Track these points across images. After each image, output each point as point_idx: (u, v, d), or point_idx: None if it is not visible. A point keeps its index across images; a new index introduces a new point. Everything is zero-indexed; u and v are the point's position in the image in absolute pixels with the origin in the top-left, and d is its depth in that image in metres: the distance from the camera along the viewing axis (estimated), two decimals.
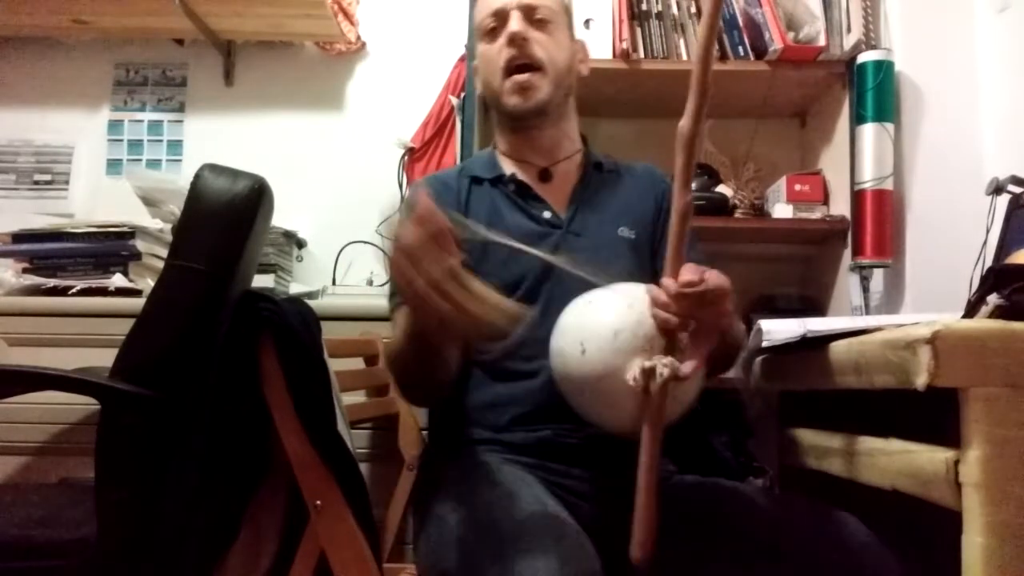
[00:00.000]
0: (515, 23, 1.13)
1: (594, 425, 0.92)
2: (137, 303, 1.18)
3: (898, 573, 0.87)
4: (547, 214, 1.16)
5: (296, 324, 1.05)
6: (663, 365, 0.78)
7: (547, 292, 1.09)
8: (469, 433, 1.09)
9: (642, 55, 1.82)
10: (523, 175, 1.20)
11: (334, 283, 2.06)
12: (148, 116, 2.24)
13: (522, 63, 1.13)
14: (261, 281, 1.83)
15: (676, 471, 1.14)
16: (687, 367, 0.79)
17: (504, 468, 1.01)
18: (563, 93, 1.18)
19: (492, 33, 1.16)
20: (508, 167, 1.21)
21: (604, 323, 0.86)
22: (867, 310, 1.74)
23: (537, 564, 0.73)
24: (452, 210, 1.14)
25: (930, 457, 0.81)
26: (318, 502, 1.04)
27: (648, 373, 0.79)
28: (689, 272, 0.80)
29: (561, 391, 0.93)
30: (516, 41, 1.12)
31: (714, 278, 0.80)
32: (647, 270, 1.15)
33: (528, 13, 1.14)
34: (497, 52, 1.15)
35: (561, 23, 1.19)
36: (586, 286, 1.02)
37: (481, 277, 1.06)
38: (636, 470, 0.84)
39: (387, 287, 1.20)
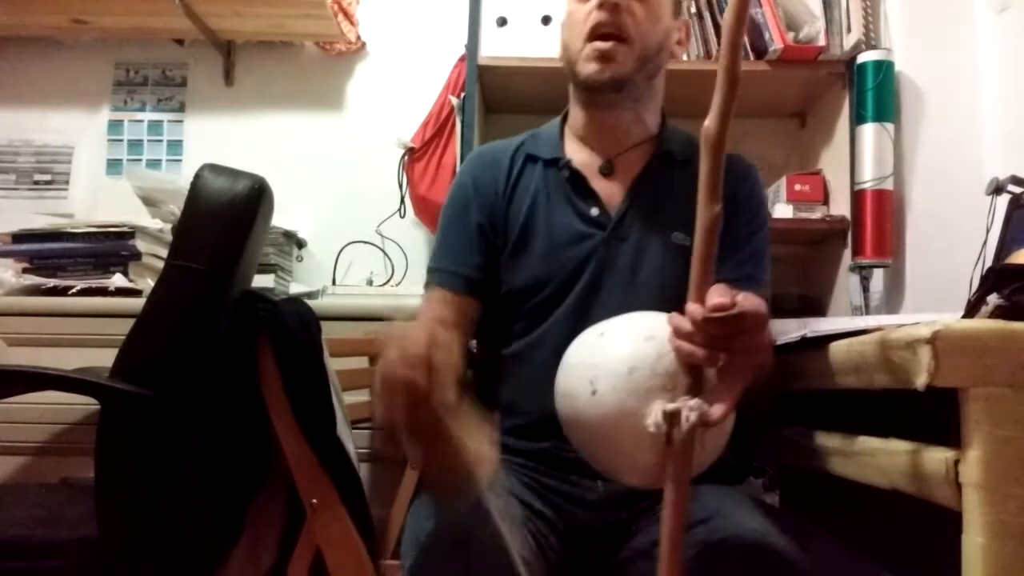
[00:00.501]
0: None
1: (608, 476, 0.81)
2: (137, 303, 1.18)
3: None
4: (595, 211, 1.07)
5: (294, 324, 1.05)
6: (689, 409, 0.66)
7: (576, 295, 1.04)
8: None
9: None
10: (582, 162, 1.10)
11: (334, 283, 2.06)
12: (148, 116, 2.24)
13: (609, 31, 1.02)
14: (261, 281, 1.83)
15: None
16: (717, 411, 0.67)
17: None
18: (647, 74, 1.07)
19: None
20: (570, 149, 1.12)
21: (618, 358, 0.73)
22: (867, 310, 1.74)
23: (451, 564, 0.75)
24: (492, 197, 1.09)
25: (930, 457, 0.81)
26: (314, 501, 1.05)
27: (672, 418, 0.67)
28: (718, 295, 0.67)
29: (569, 438, 0.81)
30: (607, 6, 1.00)
31: (748, 302, 0.67)
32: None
33: None
34: (585, 15, 1.03)
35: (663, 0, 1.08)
36: (621, 288, 0.97)
37: (513, 269, 1.04)
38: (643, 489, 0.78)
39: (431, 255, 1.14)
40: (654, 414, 0.68)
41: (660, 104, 1.15)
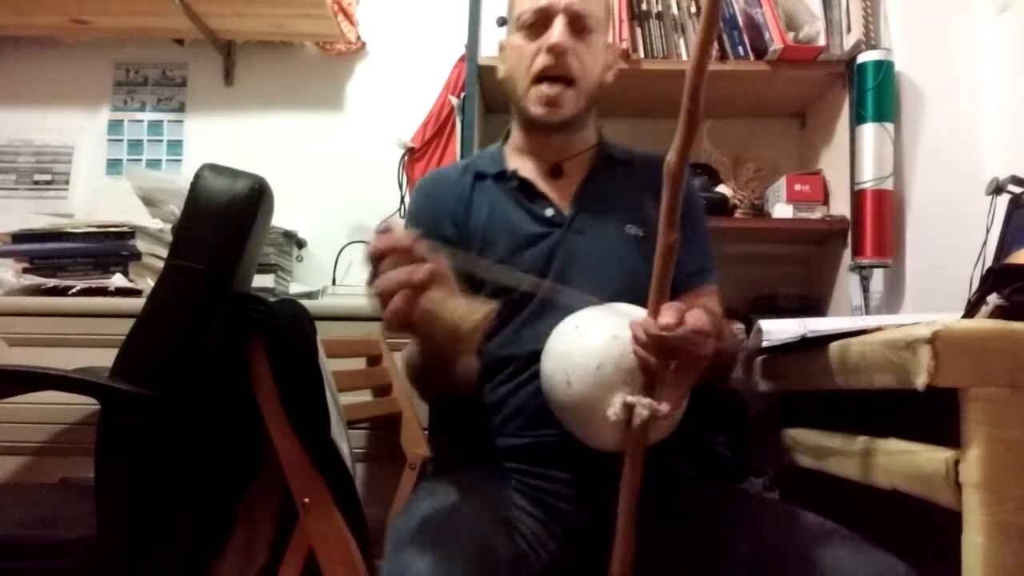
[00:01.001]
0: (558, 32, 1.07)
1: (581, 441, 0.93)
2: (137, 303, 1.18)
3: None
4: (549, 212, 1.13)
5: (287, 326, 1.05)
6: (642, 406, 0.78)
7: (539, 300, 1.07)
8: (464, 437, 1.10)
9: (642, 55, 1.82)
10: (529, 171, 1.17)
11: (334, 283, 2.06)
12: (148, 116, 2.24)
13: (555, 74, 1.08)
14: (261, 281, 1.83)
15: (694, 475, 1.14)
16: (664, 407, 0.78)
17: (475, 470, 1.03)
18: (589, 106, 1.14)
19: (531, 28, 1.10)
20: (514, 162, 1.19)
21: (588, 354, 0.86)
22: (867, 310, 1.74)
23: (424, 562, 0.78)
24: (454, 208, 1.14)
25: (930, 457, 0.81)
26: (306, 500, 1.05)
27: (629, 410, 0.80)
28: (668, 315, 0.77)
29: (551, 408, 0.95)
30: (555, 50, 1.07)
31: (694, 320, 0.77)
32: None
33: (574, 20, 1.08)
34: (532, 54, 1.09)
35: (603, 30, 1.14)
36: (583, 285, 1.01)
37: (475, 282, 1.07)
38: (617, 475, 0.83)
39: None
40: (614, 406, 0.81)
41: (594, 121, 1.22)
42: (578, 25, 1.08)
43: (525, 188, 1.15)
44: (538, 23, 1.09)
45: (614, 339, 0.85)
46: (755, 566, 0.86)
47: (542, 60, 1.08)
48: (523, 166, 1.18)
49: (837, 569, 0.80)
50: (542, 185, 1.16)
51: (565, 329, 0.93)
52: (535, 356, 0.98)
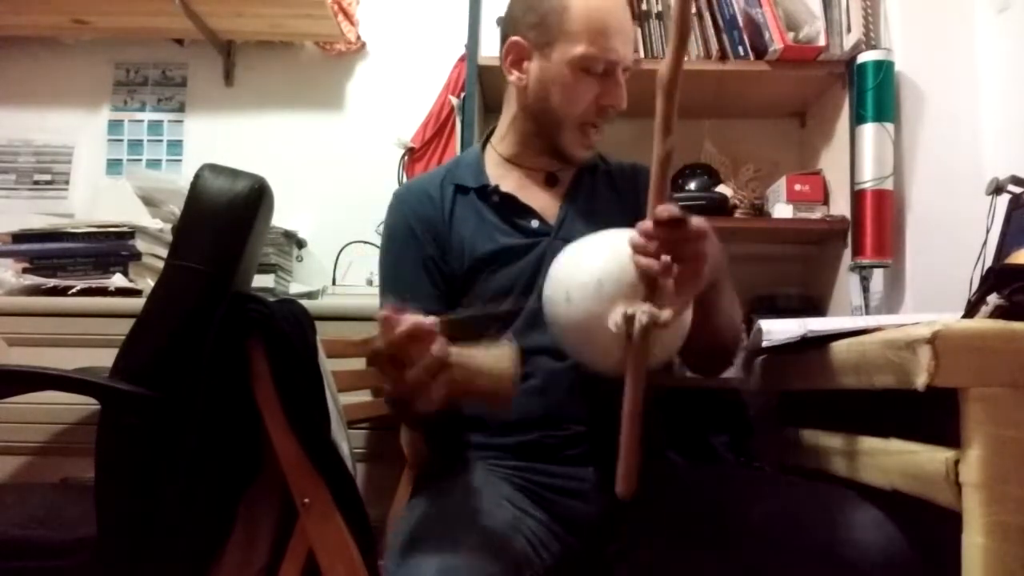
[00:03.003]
0: (620, 91, 1.11)
1: (583, 365, 0.95)
2: (137, 303, 1.18)
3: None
4: (535, 223, 1.14)
5: (286, 326, 1.05)
6: (643, 312, 0.79)
7: (532, 304, 1.08)
8: (462, 437, 1.11)
9: (642, 55, 1.82)
10: (514, 183, 1.17)
11: (334, 283, 2.06)
12: (148, 116, 2.24)
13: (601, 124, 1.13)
14: (261, 281, 1.83)
15: (682, 463, 1.15)
16: (666, 314, 0.79)
17: (477, 471, 1.04)
18: None
19: (594, 75, 1.09)
20: (495, 173, 1.18)
21: (588, 272, 0.88)
22: (867, 310, 1.74)
23: (426, 563, 0.78)
24: (434, 225, 1.13)
25: (930, 457, 0.81)
26: (306, 500, 1.05)
27: (629, 320, 0.80)
28: (667, 208, 0.79)
29: (552, 335, 0.96)
30: (613, 111, 1.12)
31: (694, 218, 0.80)
32: None
33: (627, 71, 1.12)
34: (590, 97, 1.10)
35: None
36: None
37: (469, 292, 1.09)
38: (616, 463, 0.84)
39: (380, 296, 1.18)
40: (615, 317, 0.81)
41: None
42: (626, 75, 1.12)
43: (508, 203, 1.15)
44: (604, 70, 1.09)
45: (614, 257, 0.86)
46: (769, 528, 0.88)
47: (597, 112, 1.11)
48: (506, 178, 1.17)
49: (851, 524, 0.83)
50: (526, 197, 1.15)
51: (565, 254, 0.96)
52: (530, 352, 0.99)
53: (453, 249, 1.12)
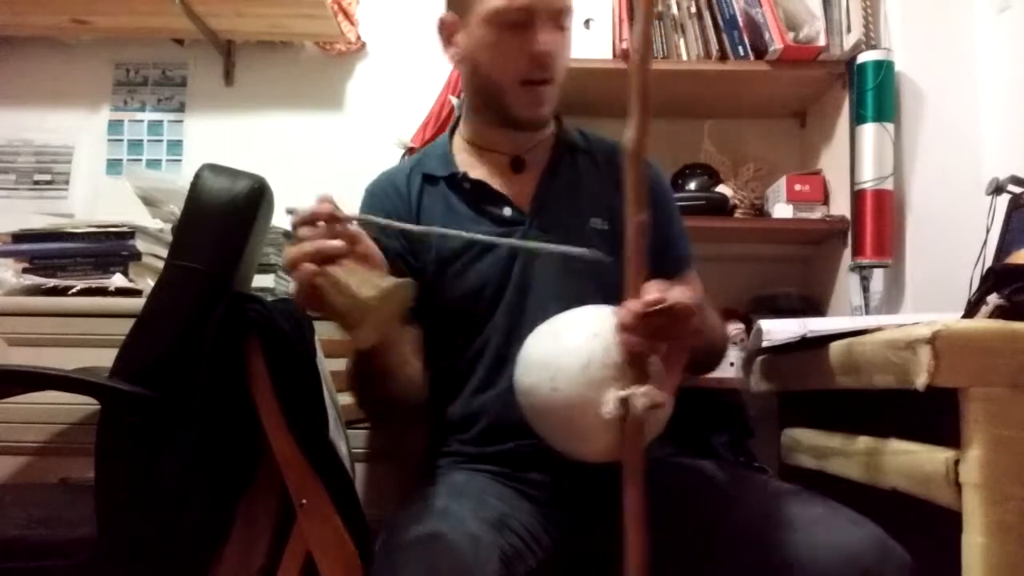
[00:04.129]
0: (545, 37, 1.02)
1: (571, 457, 0.89)
2: (137, 303, 1.18)
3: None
4: (507, 211, 1.09)
5: (285, 325, 1.05)
6: (641, 395, 0.76)
7: (509, 300, 1.06)
8: (445, 444, 1.10)
9: None
10: (483, 170, 1.12)
11: None
12: (148, 116, 2.24)
13: (542, 79, 1.05)
14: (261, 281, 1.83)
15: (674, 452, 1.13)
16: (663, 395, 0.77)
17: (460, 472, 1.03)
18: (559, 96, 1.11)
19: (511, 27, 1.03)
20: (464, 162, 1.13)
21: (572, 356, 0.82)
22: (867, 310, 1.74)
23: (409, 562, 0.78)
24: (402, 216, 1.09)
25: (930, 457, 0.81)
26: (303, 501, 1.04)
27: (624, 403, 0.77)
28: (652, 290, 0.76)
29: (533, 427, 0.90)
30: (547, 57, 1.03)
31: (678, 294, 0.76)
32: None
33: (556, 18, 1.04)
34: (515, 55, 1.03)
35: (571, 21, 1.09)
36: (549, 285, 1.03)
37: (440, 290, 1.07)
38: (598, 469, 0.83)
39: None
40: (609, 402, 0.77)
41: None
42: (559, 21, 1.05)
43: (479, 190, 1.11)
44: (521, 21, 1.03)
45: (596, 336, 0.82)
46: (751, 532, 0.87)
47: (529, 66, 1.03)
48: (475, 165, 1.13)
49: (832, 531, 0.82)
50: (498, 184, 1.11)
51: (541, 337, 0.90)
52: (510, 348, 0.98)
53: (422, 242, 1.08)
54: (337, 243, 0.75)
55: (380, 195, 1.15)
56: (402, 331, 0.96)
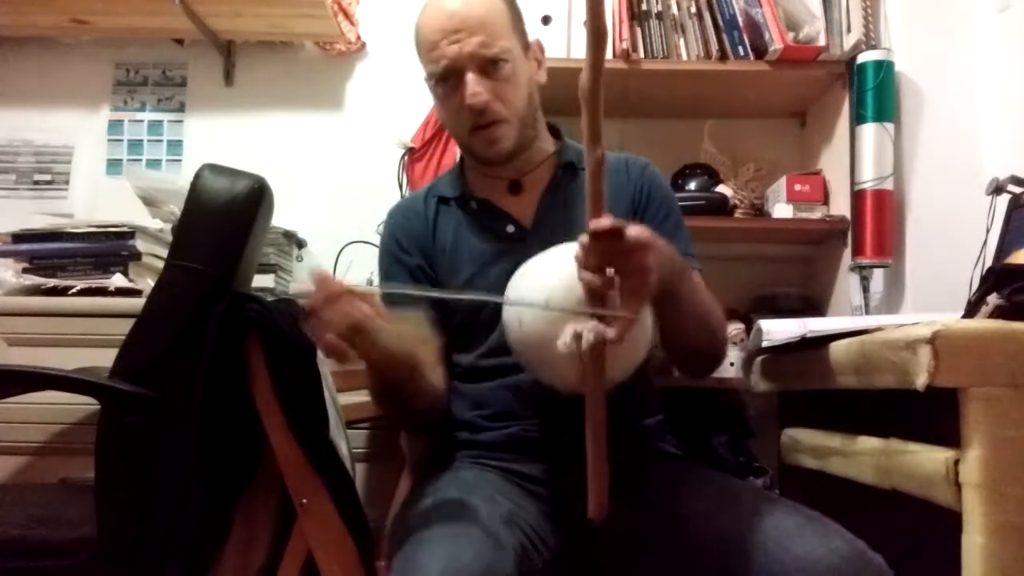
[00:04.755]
0: (471, 90, 1.06)
1: (545, 384, 0.97)
2: (137, 303, 1.18)
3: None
4: (511, 228, 1.15)
5: (285, 325, 1.05)
6: (588, 331, 0.78)
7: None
8: (452, 436, 1.12)
9: (642, 55, 1.82)
10: (489, 190, 1.18)
11: None
12: (148, 116, 2.24)
13: (486, 122, 1.09)
14: (261, 281, 1.83)
15: (678, 453, 1.15)
16: (612, 331, 0.78)
17: (468, 469, 1.06)
18: (529, 123, 1.14)
19: (445, 83, 1.10)
20: (473, 184, 1.20)
21: (536, 293, 0.89)
22: (867, 310, 1.74)
23: (433, 556, 0.79)
24: (419, 237, 1.18)
25: (930, 457, 0.81)
26: (304, 500, 1.05)
27: (577, 339, 0.79)
28: (602, 221, 0.77)
29: (514, 356, 0.99)
30: (475, 110, 1.07)
31: (632, 228, 0.78)
32: None
33: (482, 65, 1.07)
34: (456, 111, 1.10)
35: (516, 48, 1.10)
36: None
37: (448, 301, 1.12)
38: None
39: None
40: (563, 337, 0.80)
41: (544, 123, 1.21)
42: (488, 67, 1.07)
43: (485, 208, 1.17)
44: (450, 78, 1.08)
45: (558, 276, 0.87)
46: (720, 545, 0.86)
47: (468, 118, 1.09)
48: (483, 185, 1.19)
49: (806, 544, 0.80)
50: (503, 202, 1.17)
51: (515, 279, 0.98)
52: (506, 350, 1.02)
53: (437, 259, 1.17)
54: (365, 311, 0.82)
55: (400, 217, 1.23)
56: (424, 339, 1.02)
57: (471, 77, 1.07)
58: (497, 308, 1.10)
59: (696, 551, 0.89)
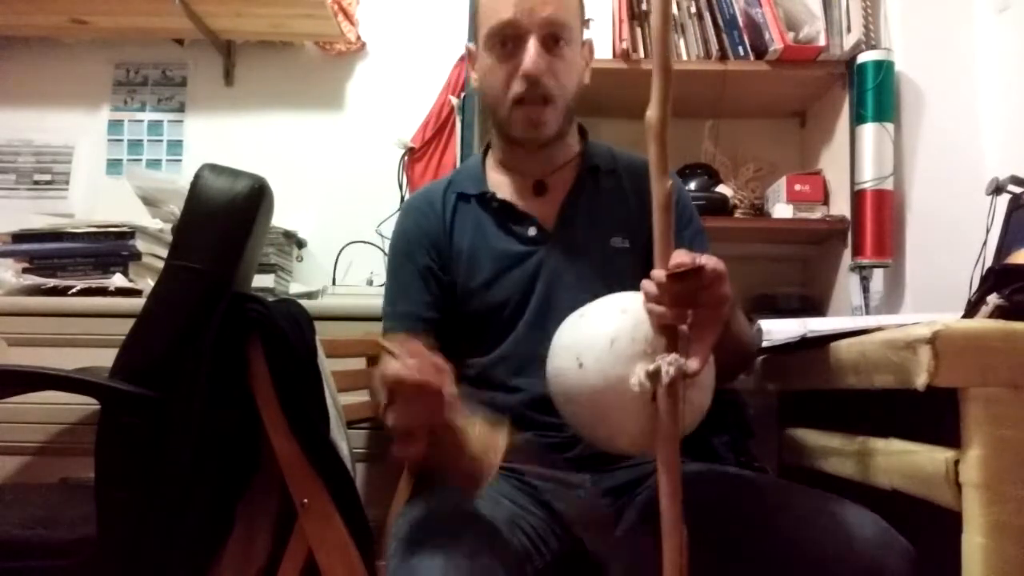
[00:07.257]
0: (532, 56, 1.02)
1: (605, 449, 0.87)
2: (137, 303, 1.18)
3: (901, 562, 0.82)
4: (532, 231, 1.12)
5: (285, 325, 1.05)
6: (668, 364, 0.71)
7: (532, 310, 1.09)
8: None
9: (642, 55, 1.82)
10: (511, 189, 1.15)
11: (334, 283, 2.06)
12: (148, 116, 2.24)
13: (533, 99, 1.05)
14: (261, 281, 1.83)
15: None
16: (693, 363, 0.73)
17: None
18: (569, 116, 1.12)
19: (503, 46, 1.05)
20: (495, 181, 1.17)
21: (599, 333, 0.80)
22: (867, 310, 1.74)
23: (433, 557, 0.78)
24: (434, 235, 1.14)
25: (930, 457, 0.81)
26: (305, 500, 1.05)
27: (653, 375, 0.72)
28: (679, 255, 0.74)
29: (565, 417, 0.88)
30: (530, 80, 1.03)
31: (706, 259, 0.74)
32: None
33: (548, 36, 1.04)
34: (506, 78, 1.05)
35: (577, 36, 1.09)
36: (571, 301, 0.99)
37: (468, 300, 1.10)
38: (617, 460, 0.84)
39: (383, 298, 1.19)
40: (637, 375, 0.73)
41: (575, 125, 1.19)
42: (552, 40, 1.05)
43: (506, 209, 1.14)
44: (510, 41, 1.04)
45: (624, 312, 0.79)
46: (754, 522, 0.87)
47: (519, 86, 1.05)
48: (505, 184, 1.16)
49: (836, 520, 0.82)
50: (525, 204, 1.14)
51: (569, 320, 0.89)
52: (530, 358, 0.99)
53: (452, 259, 1.13)
54: (443, 411, 0.74)
55: (416, 212, 1.18)
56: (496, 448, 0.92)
57: (534, 45, 1.03)
58: (518, 309, 1.08)
59: (727, 532, 0.88)
